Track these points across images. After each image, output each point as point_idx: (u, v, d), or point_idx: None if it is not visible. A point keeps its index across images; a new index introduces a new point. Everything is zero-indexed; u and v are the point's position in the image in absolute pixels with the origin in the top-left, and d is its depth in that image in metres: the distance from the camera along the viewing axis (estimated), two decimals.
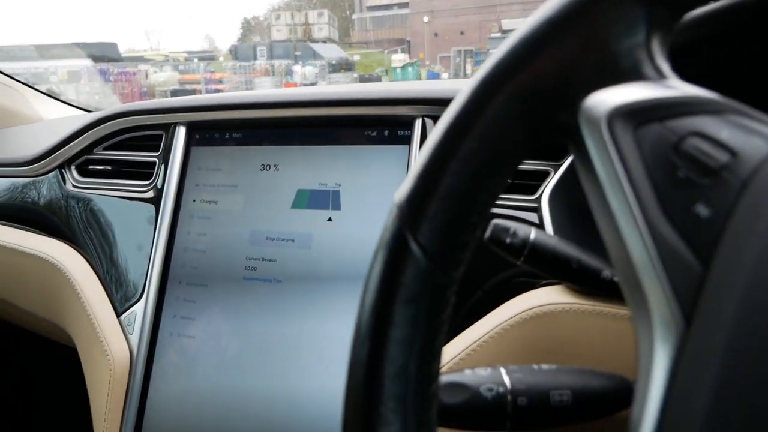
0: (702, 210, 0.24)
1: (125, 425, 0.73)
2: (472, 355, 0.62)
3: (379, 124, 0.73)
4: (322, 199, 0.73)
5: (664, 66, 0.28)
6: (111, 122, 0.85)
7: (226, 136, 0.80)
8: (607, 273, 0.45)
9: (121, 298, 0.78)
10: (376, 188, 0.72)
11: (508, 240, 0.44)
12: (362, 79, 19.60)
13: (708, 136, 0.25)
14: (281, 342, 0.71)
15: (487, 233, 0.45)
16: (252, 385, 0.71)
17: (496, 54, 0.31)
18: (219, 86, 16.10)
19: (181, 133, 0.81)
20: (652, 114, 0.26)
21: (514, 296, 0.63)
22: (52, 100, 1.40)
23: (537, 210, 0.65)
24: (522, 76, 0.30)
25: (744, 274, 0.22)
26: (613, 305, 0.56)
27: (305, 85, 16.54)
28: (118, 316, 0.77)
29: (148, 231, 0.80)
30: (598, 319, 0.60)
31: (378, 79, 21.05)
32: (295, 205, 0.74)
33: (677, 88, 0.27)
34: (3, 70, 1.30)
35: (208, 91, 15.59)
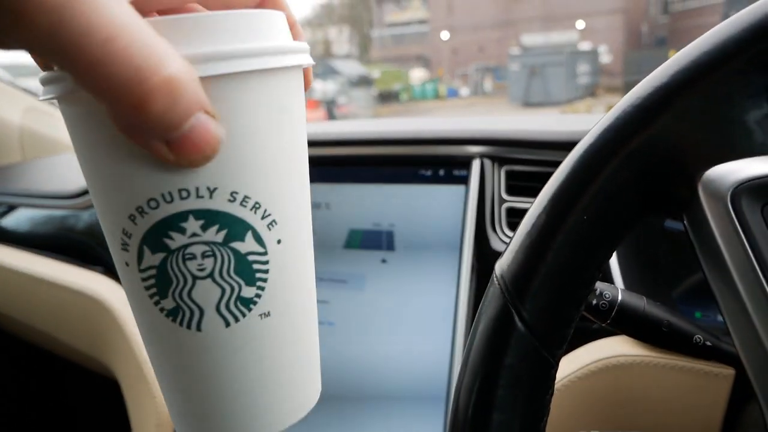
0: None
1: None
2: None
3: (435, 164, 0.71)
4: (376, 240, 0.71)
5: None
6: None
7: None
8: (699, 337, 0.43)
9: None
10: (431, 229, 0.70)
11: (594, 302, 0.42)
12: (381, 96, 19.67)
13: None
14: (338, 392, 0.68)
15: None
16: None
17: (606, 119, 0.30)
18: None
19: None
20: None
21: (571, 341, 0.61)
22: None
23: None
24: (635, 143, 0.28)
25: None
26: (686, 359, 0.54)
27: (326, 101, 16.64)
28: None
29: None
30: (671, 374, 0.57)
31: (396, 96, 21.13)
32: (348, 245, 0.73)
33: None
34: (31, 89, 1.30)
35: None
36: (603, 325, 0.43)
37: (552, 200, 0.30)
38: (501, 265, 0.31)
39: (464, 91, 22.78)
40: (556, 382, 0.60)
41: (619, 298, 0.42)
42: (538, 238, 0.30)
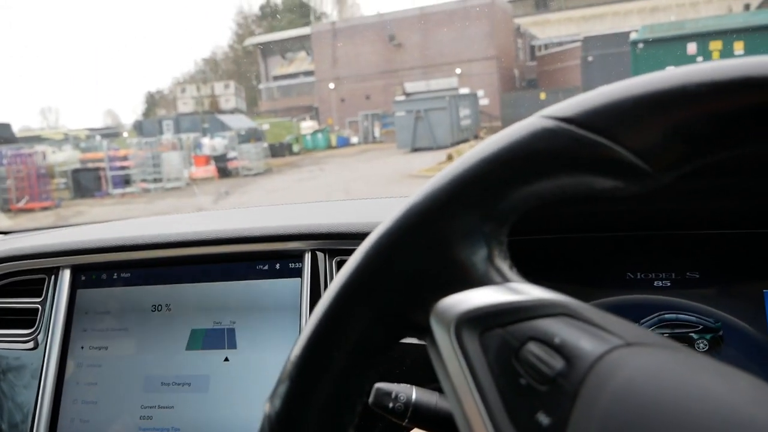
0: (543, 419, 0.25)
1: None
2: None
3: (271, 258, 0.73)
4: (218, 339, 0.72)
5: (505, 267, 0.31)
6: None
7: (114, 277, 0.78)
8: None
9: None
10: (271, 323, 0.71)
11: (390, 405, 0.45)
12: (272, 148, 19.57)
13: (544, 341, 0.27)
14: None
15: (371, 398, 0.46)
16: None
17: (349, 264, 0.33)
18: (124, 163, 15.58)
19: (65, 276, 0.78)
20: (495, 320, 0.28)
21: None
22: None
23: None
24: (374, 282, 0.32)
25: None
26: None
27: (216, 156, 16.31)
28: None
29: (31, 384, 0.75)
30: None
31: (289, 147, 21.10)
32: (190, 346, 0.73)
33: (518, 291, 0.29)
34: None
35: (112, 169, 15.02)
36: (403, 424, 0.46)
37: (307, 339, 0.32)
38: (269, 404, 0.33)
39: (354, 138, 23.20)
40: None
41: (413, 397, 0.45)
42: (296, 377, 0.32)
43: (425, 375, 0.64)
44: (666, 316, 0.64)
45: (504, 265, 0.31)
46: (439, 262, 0.31)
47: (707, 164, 0.28)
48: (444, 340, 0.30)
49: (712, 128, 0.27)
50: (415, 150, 16.87)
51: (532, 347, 0.27)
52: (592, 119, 0.29)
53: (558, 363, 0.26)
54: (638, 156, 0.28)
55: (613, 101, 0.29)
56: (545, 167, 0.29)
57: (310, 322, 0.33)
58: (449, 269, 0.31)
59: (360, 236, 0.69)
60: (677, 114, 0.27)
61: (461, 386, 0.29)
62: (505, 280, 0.30)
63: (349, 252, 0.71)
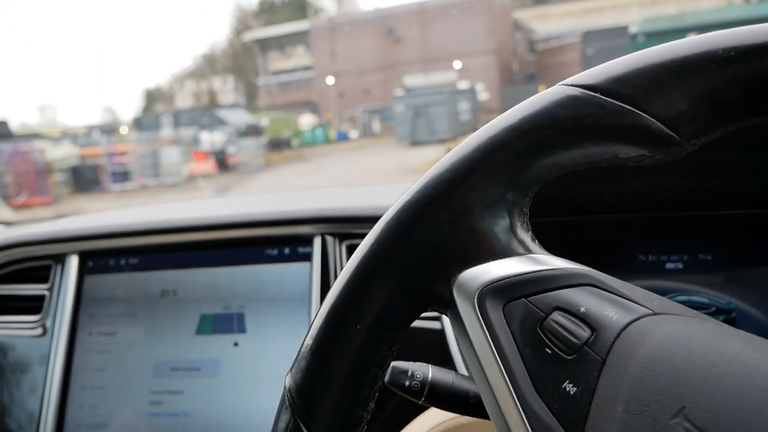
0: (570, 387, 0.25)
1: None
2: None
3: (280, 243, 0.73)
4: (227, 323, 0.72)
5: (527, 238, 0.30)
6: None
7: (122, 263, 0.77)
8: None
9: None
10: (280, 308, 0.71)
11: (407, 383, 0.44)
12: (272, 143, 19.58)
13: (569, 311, 0.27)
14: None
15: (387, 377, 0.46)
16: None
17: (370, 236, 0.32)
18: (123, 158, 15.58)
19: (73, 262, 0.78)
20: (519, 291, 0.28)
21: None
22: None
23: None
24: (396, 256, 0.31)
25: None
26: None
27: (215, 152, 16.29)
28: None
29: (39, 371, 0.75)
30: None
31: (288, 142, 21.11)
32: (200, 330, 0.72)
33: (541, 262, 0.28)
34: None
35: (111, 164, 15.02)
36: (419, 402, 0.46)
37: (328, 314, 0.32)
38: (289, 378, 0.33)
39: (354, 133, 23.19)
40: None
41: (429, 375, 0.45)
42: (318, 350, 0.32)
43: (436, 359, 0.64)
44: (678, 297, 0.63)
45: (526, 237, 0.30)
46: (461, 233, 0.30)
47: (731, 133, 0.28)
48: (467, 312, 0.30)
49: (740, 94, 0.27)
50: (414, 144, 16.88)
51: (558, 317, 0.27)
52: (618, 87, 0.28)
53: (584, 332, 0.26)
54: (665, 123, 0.28)
55: (640, 68, 0.29)
56: (570, 135, 0.29)
57: (330, 296, 0.32)
58: (471, 240, 0.30)
59: (371, 220, 0.69)
60: (705, 80, 0.27)
61: (486, 358, 0.29)
62: (528, 251, 0.30)
63: (360, 236, 0.71)
